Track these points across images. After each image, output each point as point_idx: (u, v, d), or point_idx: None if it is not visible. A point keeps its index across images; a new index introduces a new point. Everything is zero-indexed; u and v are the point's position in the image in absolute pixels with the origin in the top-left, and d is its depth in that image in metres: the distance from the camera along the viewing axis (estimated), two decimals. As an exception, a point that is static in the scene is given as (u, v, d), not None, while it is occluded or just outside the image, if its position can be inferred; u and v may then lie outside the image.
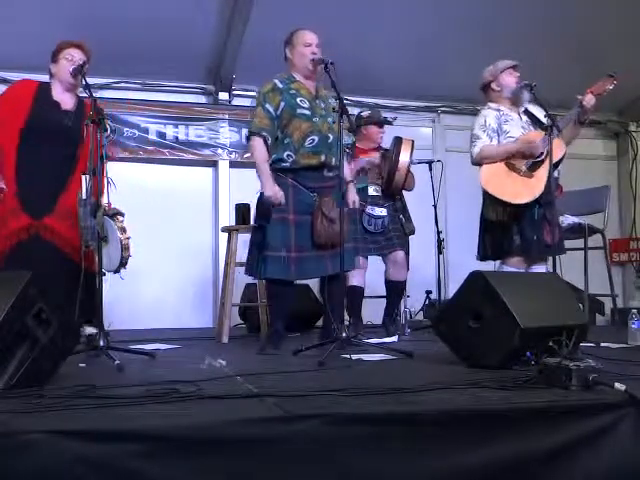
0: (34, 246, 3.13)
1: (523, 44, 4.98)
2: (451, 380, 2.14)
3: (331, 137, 3.38)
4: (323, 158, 3.35)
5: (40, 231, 3.15)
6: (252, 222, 3.79)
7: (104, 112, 2.93)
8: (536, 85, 3.68)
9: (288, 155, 3.35)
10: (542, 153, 3.61)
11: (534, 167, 3.65)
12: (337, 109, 3.08)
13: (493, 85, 3.84)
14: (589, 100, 3.59)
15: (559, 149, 3.61)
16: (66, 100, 3.34)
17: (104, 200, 3.20)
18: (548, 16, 5.22)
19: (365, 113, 4.56)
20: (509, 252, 3.68)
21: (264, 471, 1.55)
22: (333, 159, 3.37)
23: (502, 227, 3.68)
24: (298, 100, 3.38)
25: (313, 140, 3.35)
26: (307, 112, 3.37)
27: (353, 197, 3.57)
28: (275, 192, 3.29)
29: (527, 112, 3.84)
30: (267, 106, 3.37)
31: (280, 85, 3.41)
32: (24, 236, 3.14)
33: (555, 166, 3.62)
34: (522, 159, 3.67)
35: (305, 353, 3.01)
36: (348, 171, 3.63)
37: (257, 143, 3.37)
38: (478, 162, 3.77)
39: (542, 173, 3.60)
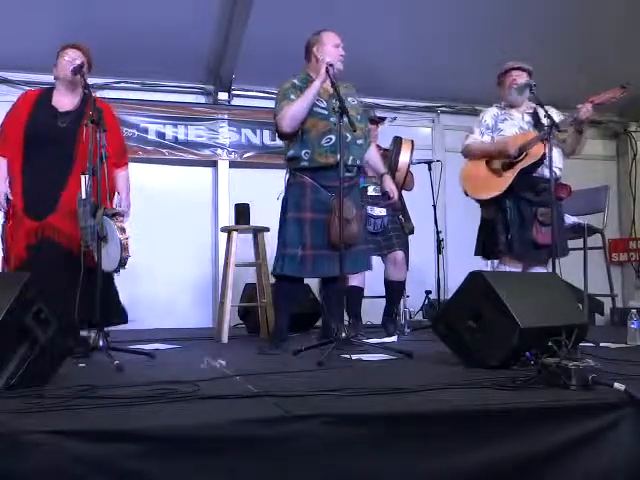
0: (43, 247, 3.17)
1: (523, 44, 4.97)
2: (451, 380, 2.13)
3: (349, 137, 3.33)
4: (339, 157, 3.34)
5: (46, 231, 3.18)
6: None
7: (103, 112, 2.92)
8: (536, 85, 3.70)
9: (305, 153, 3.35)
10: (517, 154, 3.68)
11: (508, 166, 3.74)
12: (337, 109, 3.08)
13: (499, 86, 3.99)
14: (585, 112, 3.58)
15: (534, 153, 3.64)
16: (65, 102, 3.36)
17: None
18: (548, 16, 5.23)
19: None
20: (494, 250, 3.82)
21: (264, 471, 1.54)
22: (350, 158, 3.35)
23: (492, 226, 3.82)
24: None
25: (330, 139, 3.33)
26: (324, 112, 3.36)
27: (390, 186, 3.61)
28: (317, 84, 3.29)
29: (533, 114, 3.85)
30: (292, 96, 3.37)
31: (298, 83, 3.43)
32: (32, 240, 3.18)
33: (533, 168, 3.65)
34: (501, 158, 3.76)
35: (305, 353, 3.01)
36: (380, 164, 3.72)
37: (287, 106, 3.34)
38: (465, 154, 3.96)
39: (511, 173, 3.71)
